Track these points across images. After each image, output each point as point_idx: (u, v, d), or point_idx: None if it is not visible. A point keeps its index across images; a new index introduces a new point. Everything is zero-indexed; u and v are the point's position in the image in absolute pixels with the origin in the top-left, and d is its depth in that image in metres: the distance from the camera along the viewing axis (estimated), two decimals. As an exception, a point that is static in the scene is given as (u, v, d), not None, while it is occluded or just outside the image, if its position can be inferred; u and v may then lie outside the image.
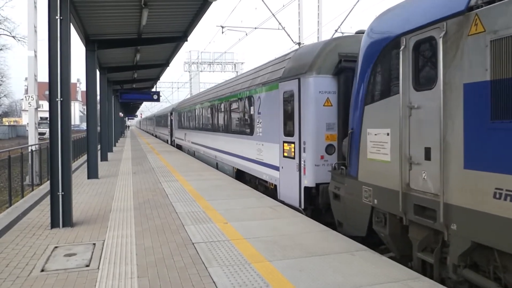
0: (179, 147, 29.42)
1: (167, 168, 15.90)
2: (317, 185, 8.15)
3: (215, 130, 16.50)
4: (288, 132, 8.99)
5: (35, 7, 13.88)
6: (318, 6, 21.32)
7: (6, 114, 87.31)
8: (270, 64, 11.04)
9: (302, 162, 8.35)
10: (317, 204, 8.27)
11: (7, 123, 75.65)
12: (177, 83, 64.13)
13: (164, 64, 19.99)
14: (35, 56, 14.01)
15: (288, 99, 8.97)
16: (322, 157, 8.16)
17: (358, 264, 5.13)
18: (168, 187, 11.29)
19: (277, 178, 9.64)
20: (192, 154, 22.97)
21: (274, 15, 18.55)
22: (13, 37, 39.01)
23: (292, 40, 19.21)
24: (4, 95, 64.46)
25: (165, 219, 7.62)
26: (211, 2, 10.32)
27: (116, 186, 11.70)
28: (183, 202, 9.13)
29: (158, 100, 22.87)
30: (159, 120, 47.06)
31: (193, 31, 13.26)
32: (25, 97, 14.02)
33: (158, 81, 29.17)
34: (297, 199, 8.57)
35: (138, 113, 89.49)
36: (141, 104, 60.89)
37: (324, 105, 8.15)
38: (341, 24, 15.38)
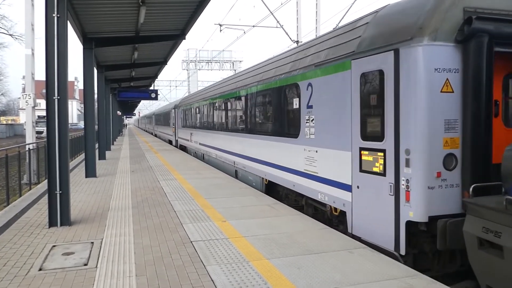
0: (183, 148, 26.20)
1: (166, 166, 15.88)
2: (431, 218, 5.29)
3: (235, 130, 13.25)
4: (371, 134, 6.08)
5: (32, 5, 13.82)
6: (317, 4, 21.29)
7: (3, 113, 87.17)
8: (327, 37, 7.79)
9: (403, 182, 5.48)
10: (423, 247, 5.57)
11: (4, 122, 75.50)
12: (175, 82, 64.07)
13: (162, 62, 19.96)
14: (33, 54, 13.95)
15: (370, 84, 6.13)
16: (438, 174, 5.33)
17: (356, 262, 5.13)
18: (167, 185, 11.28)
19: (346, 202, 6.66)
20: (200, 157, 19.76)
21: (272, 13, 18.54)
22: (10, 35, 38.81)
23: (290, 38, 19.22)
24: (2, 94, 64.41)
25: (163, 218, 7.61)
26: (209, 0, 10.30)
27: (114, 184, 11.68)
28: (181, 201, 9.12)
29: (156, 98, 22.88)
30: (160, 118, 43.10)
31: (191, 29, 13.18)
32: (23, 95, 13.98)
33: (156, 79, 29.15)
34: (391, 238, 5.63)
35: (136, 111, 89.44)
36: (139, 102, 60.82)
37: (441, 91, 5.35)
38: (339, 22, 15.36)
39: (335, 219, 7.35)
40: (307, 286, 4.42)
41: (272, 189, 10.41)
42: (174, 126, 29.93)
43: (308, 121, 7.95)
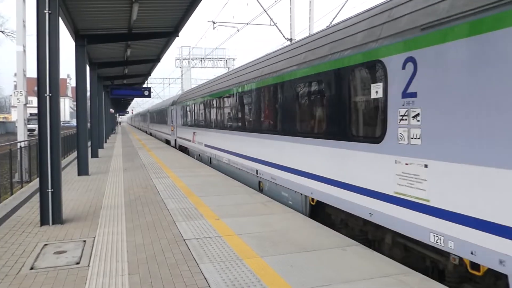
0: (183, 149, 23.19)
1: (159, 164, 15.83)
2: None
3: (259, 130, 10.28)
4: None
5: (24, 1, 13.70)
6: (310, 2, 21.29)
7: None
8: None
9: None
10: None
11: (-4, 120, 74.86)
12: (168, 79, 63.87)
13: (155, 60, 19.91)
14: (24, 51, 13.85)
15: None
16: None
17: (349, 259, 5.15)
18: (160, 183, 11.24)
19: (511, 259, 3.84)
20: (206, 161, 17.11)
21: (265, 11, 18.50)
22: (1, 32, 38.48)
23: (283, 36, 19.20)
24: (-7, 91, 63.76)
25: (156, 216, 7.58)
26: (202, -3, 10.25)
27: (106, 182, 11.61)
28: (174, 199, 9.09)
29: (149, 96, 22.79)
30: (156, 115, 39.53)
31: (184, 27, 13.16)
32: (14, 93, 13.86)
33: (149, 77, 29.05)
34: None
35: (129, 109, 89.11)
36: (132, 100, 60.60)
37: None
38: (332, 20, 15.36)
39: (462, 276, 4.82)
40: (300, 284, 4.43)
41: (318, 213, 7.79)
42: (172, 125, 26.60)
43: (405, 117, 5.23)
